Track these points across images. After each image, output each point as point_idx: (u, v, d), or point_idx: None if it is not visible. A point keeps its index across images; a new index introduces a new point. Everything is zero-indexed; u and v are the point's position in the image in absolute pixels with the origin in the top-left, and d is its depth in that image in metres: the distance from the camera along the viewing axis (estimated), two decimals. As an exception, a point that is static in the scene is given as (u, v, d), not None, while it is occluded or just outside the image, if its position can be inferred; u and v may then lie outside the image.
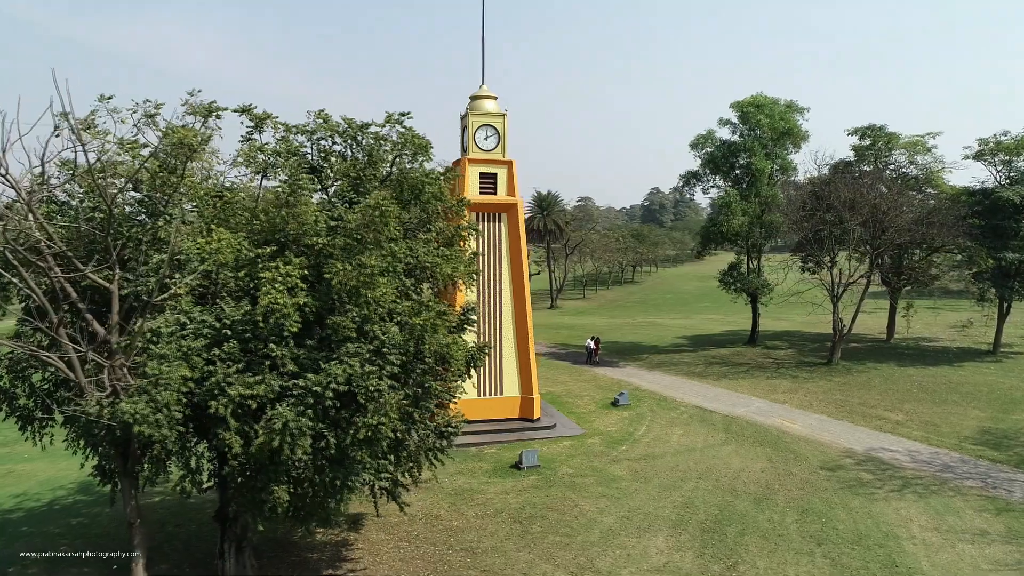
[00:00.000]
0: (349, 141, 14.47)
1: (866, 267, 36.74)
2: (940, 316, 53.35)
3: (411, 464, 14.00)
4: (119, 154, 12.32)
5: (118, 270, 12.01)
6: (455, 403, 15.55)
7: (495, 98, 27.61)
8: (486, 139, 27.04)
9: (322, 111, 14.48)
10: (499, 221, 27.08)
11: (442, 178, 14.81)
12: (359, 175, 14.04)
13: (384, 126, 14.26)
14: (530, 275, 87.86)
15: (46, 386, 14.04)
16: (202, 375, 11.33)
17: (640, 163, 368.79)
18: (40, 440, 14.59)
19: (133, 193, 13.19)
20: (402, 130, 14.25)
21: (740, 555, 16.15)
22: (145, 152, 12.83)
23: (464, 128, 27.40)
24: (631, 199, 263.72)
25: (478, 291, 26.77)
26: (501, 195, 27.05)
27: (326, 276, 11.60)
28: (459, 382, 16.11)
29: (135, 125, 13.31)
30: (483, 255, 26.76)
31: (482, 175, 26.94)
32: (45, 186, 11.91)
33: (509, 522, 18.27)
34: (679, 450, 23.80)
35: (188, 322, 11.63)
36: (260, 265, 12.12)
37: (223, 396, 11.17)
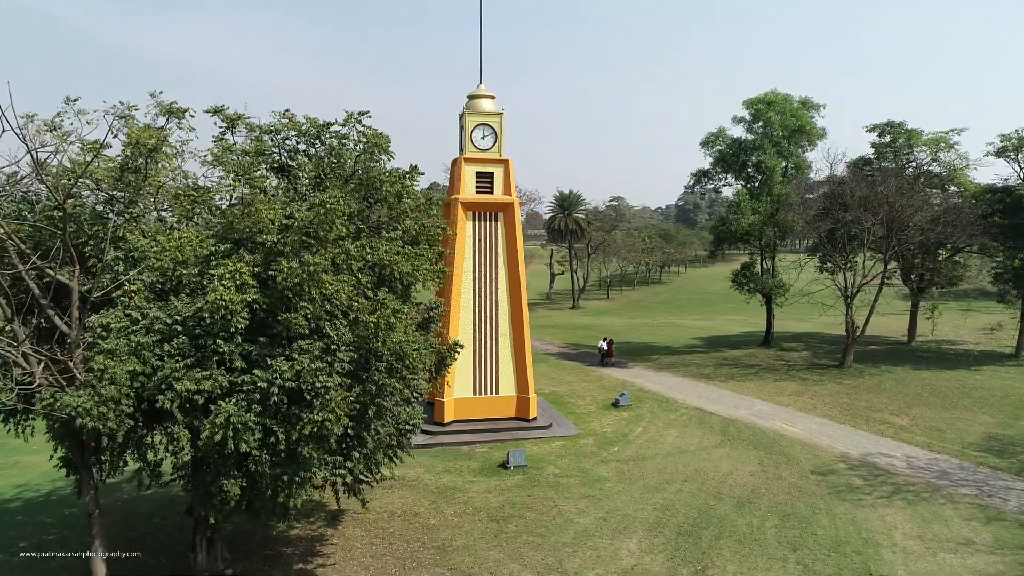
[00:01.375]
0: (313, 140, 14.62)
1: (881, 267, 35.72)
2: (970, 319, 51.65)
3: (370, 461, 14.05)
4: (79, 154, 12.62)
5: (78, 267, 12.33)
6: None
7: (493, 97, 27.60)
8: (483, 138, 27.06)
9: (287, 111, 14.67)
10: (495, 220, 27.05)
11: (406, 177, 14.84)
12: (320, 174, 14.18)
13: (345, 125, 14.39)
14: (553, 275, 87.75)
15: (27, 379, 14.49)
16: (153, 370, 11.58)
17: (678, 162, 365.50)
18: (22, 432, 15.06)
19: (102, 191, 13.50)
20: (361, 128, 14.35)
21: (712, 559, 15.88)
22: (107, 153, 13.14)
23: (462, 127, 27.45)
24: (666, 199, 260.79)
25: (473, 290, 26.82)
26: (498, 194, 27.03)
27: (270, 273, 11.74)
28: (422, 381, 16.20)
29: (109, 127, 13.68)
30: (479, 254, 26.81)
31: (479, 174, 26.96)
32: (8, 186, 12.29)
33: (486, 521, 18.26)
34: (671, 452, 23.49)
35: (140, 318, 11.89)
36: (214, 262, 12.33)
37: (170, 391, 11.41)
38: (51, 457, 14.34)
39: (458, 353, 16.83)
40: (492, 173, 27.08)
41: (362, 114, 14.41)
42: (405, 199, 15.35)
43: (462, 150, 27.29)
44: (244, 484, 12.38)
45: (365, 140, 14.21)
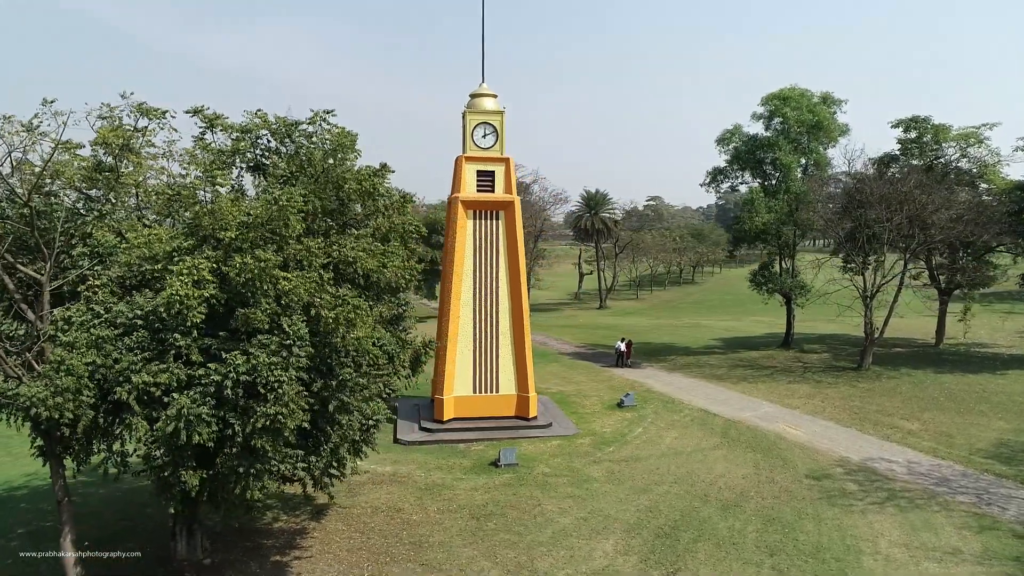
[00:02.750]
0: (283, 139, 14.86)
1: (902, 268, 34.59)
2: (1010, 321, 49.64)
3: (335, 456, 14.18)
4: (47, 153, 13.06)
5: (49, 263, 12.78)
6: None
7: (494, 96, 27.63)
8: (484, 137, 27.10)
9: (259, 110, 14.94)
10: (496, 219, 27.06)
11: (376, 175, 14.97)
12: (288, 173, 14.41)
13: (312, 124, 14.59)
14: (581, 275, 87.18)
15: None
16: (114, 362, 11.92)
17: (720, 161, 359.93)
18: (15, 423, 15.65)
19: (75, 189, 13.96)
20: (327, 127, 14.54)
21: (685, 561, 15.63)
22: (81, 152, 13.58)
23: (464, 126, 27.50)
24: (708, 198, 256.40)
25: (474, 288, 26.88)
26: (499, 193, 27.03)
27: (223, 269, 11.96)
28: (400, 377, 16.32)
29: (92, 128, 14.15)
30: (479, 252, 26.85)
31: (479, 173, 27.01)
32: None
33: (467, 518, 18.30)
34: (666, 453, 23.17)
35: (104, 312, 12.26)
36: (176, 258, 12.64)
37: (128, 383, 11.74)
38: (31, 445, 14.86)
39: (432, 351, 16.92)
40: (493, 172, 27.09)
41: (327, 112, 14.61)
42: (379, 197, 15.52)
43: (465, 149, 27.37)
44: (204, 476, 12.67)
45: (331, 138, 14.38)
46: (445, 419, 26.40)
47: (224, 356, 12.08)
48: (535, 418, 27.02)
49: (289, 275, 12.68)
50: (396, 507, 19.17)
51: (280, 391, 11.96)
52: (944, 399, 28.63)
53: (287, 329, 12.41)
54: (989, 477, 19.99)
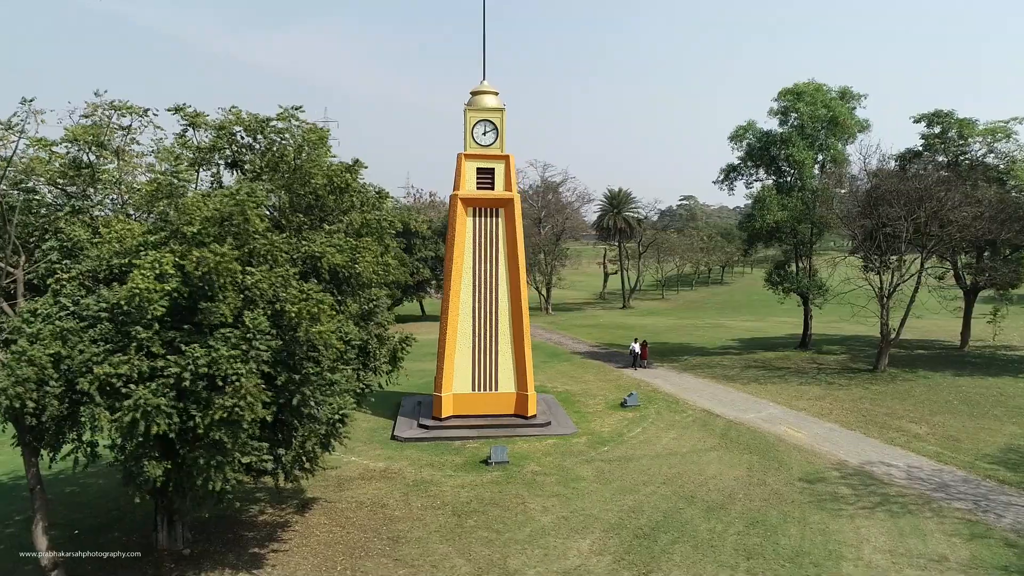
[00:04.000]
0: (256, 136, 15.03)
1: (919, 267, 33.49)
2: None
3: (303, 449, 14.29)
4: (24, 150, 13.44)
5: (23, 256, 13.14)
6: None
7: (496, 93, 27.57)
8: (484, 134, 27.05)
9: (234, 107, 15.14)
10: (496, 216, 27.00)
11: (348, 171, 15.04)
12: (257, 168, 14.57)
13: (282, 120, 14.72)
14: (606, 275, 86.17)
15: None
16: (80, 354, 12.18)
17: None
18: None
19: (53, 186, 14.32)
20: (297, 123, 14.66)
21: (659, 563, 15.37)
22: (57, 149, 13.93)
23: (465, 123, 27.47)
24: (743, 198, 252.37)
25: (474, 286, 26.87)
26: (499, 190, 26.95)
27: (181, 263, 12.14)
28: (382, 371, 16.40)
29: (24, 121, 14.38)
30: (479, 250, 26.83)
31: (479, 170, 26.96)
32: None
33: (448, 515, 18.29)
34: (661, 453, 22.84)
35: (71, 305, 12.54)
36: (143, 252, 12.87)
37: (90, 374, 11.99)
38: (12, 436, 15.27)
39: (409, 347, 16.96)
40: (493, 169, 27.01)
41: (296, 108, 14.74)
42: (353, 194, 15.60)
43: (465, 146, 27.33)
44: (168, 466, 12.87)
45: (301, 134, 14.50)
46: (443, 416, 26.43)
47: (183, 348, 12.26)
48: (534, 416, 26.88)
49: (253, 269, 12.82)
50: (381, 502, 19.25)
51: (238, 384, 12.08)
52: (958, 402, 27.67)
53: (247, 323, 12.54)
54: (991, 483, 19.24)
